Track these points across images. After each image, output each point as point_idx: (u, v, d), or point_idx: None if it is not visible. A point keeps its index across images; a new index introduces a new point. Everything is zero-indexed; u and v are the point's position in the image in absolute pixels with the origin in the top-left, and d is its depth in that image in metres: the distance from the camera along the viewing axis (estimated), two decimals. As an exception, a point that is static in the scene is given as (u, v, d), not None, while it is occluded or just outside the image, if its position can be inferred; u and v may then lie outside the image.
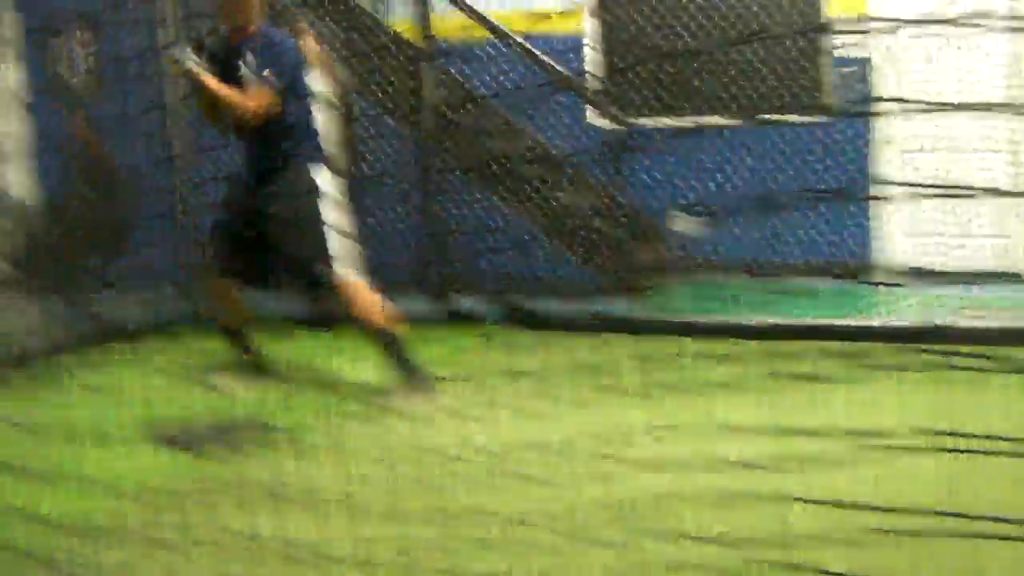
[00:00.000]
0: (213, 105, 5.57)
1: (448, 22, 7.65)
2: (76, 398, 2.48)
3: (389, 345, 5.35)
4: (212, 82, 5.39)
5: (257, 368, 5.68)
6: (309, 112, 5.66)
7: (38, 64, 8.93)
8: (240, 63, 5.51)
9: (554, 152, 8.00)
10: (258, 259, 5.59)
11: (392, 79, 7.73)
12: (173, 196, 7.72)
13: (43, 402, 2.48)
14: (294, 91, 5.54)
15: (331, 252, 5.41)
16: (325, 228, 5.43)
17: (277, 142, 5.50)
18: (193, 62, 5.40)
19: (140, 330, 6.98)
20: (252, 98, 5.41)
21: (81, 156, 8.18)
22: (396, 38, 7.85)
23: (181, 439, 3.96)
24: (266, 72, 5.42)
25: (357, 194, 5.92)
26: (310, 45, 6.87)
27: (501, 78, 8.08)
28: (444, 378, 4.99)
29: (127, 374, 2.25)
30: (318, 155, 5.61)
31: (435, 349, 5.70)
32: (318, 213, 5.43)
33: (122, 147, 7.96)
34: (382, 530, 2.18)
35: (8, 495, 2.58)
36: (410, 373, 5.33)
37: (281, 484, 2.20)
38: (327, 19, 7.87)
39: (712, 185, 8.08)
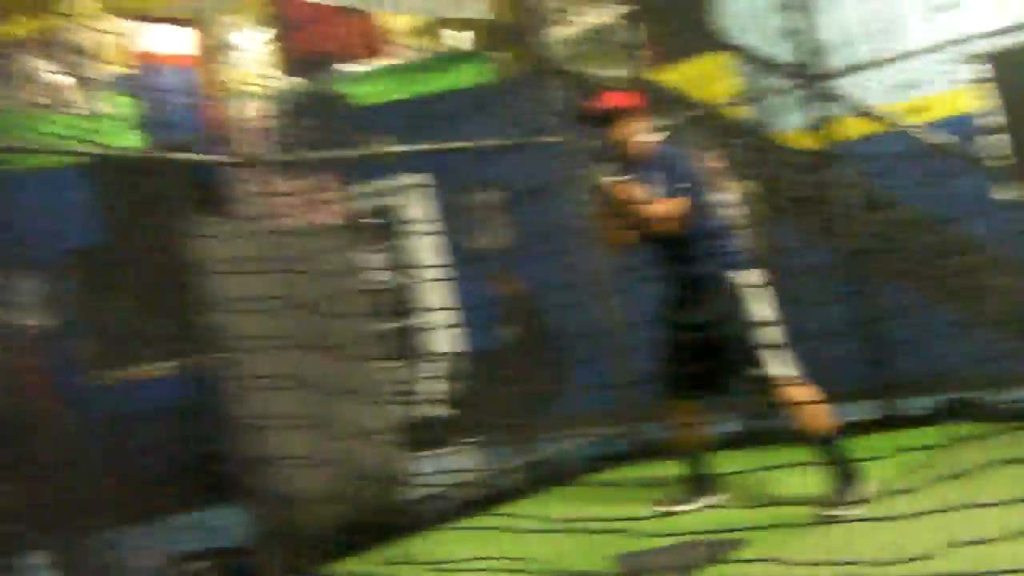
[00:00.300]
0: (619, 225, 5.73)
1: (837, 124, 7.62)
2: (530, 536, 2.60)
3: (829, 451, 5.31)
4: (638, 191, 5.48)
5: (705, 486, 5.78)
6: (720, 223, 5.70)
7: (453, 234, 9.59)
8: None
9: (969, 236, 7.76)
10: (706, 371, 5.59)
11: (794, 189, 7.75)
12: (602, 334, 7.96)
13: (501, 541, 2.64)
14: (701, 205, 5.59)
15: (769, 356, 5.40)
16: (759, 332, 5.43)
17: (694, 254, 5.54)
18: (616, 178, 5.56)
19: (581, 467, 7.21)
20: (669, 205, 5.47)
21: (510, 309, 8.66)
22: (789, 148, 7.90)
23: (644, 566, 4.04)
24: (674, 186, 5.49)
25: (783, 303, 5.90)
26: (709, 163, 7.05)
27: (897, 170, 7.93)
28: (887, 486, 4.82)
29: (575, 509, 2.36)
30: (738, 261, 5.64)
31: (877, 451, 5.57)
32: (750, 319, 5.44)
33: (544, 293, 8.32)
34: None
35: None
36: (851, 479, 5.26)
37: None
38: (716, 138, 8.03)
39: None
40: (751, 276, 5.61)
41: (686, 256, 5.56)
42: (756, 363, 5.42)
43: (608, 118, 5.71)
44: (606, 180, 5.62)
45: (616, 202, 5.62)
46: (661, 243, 5.65)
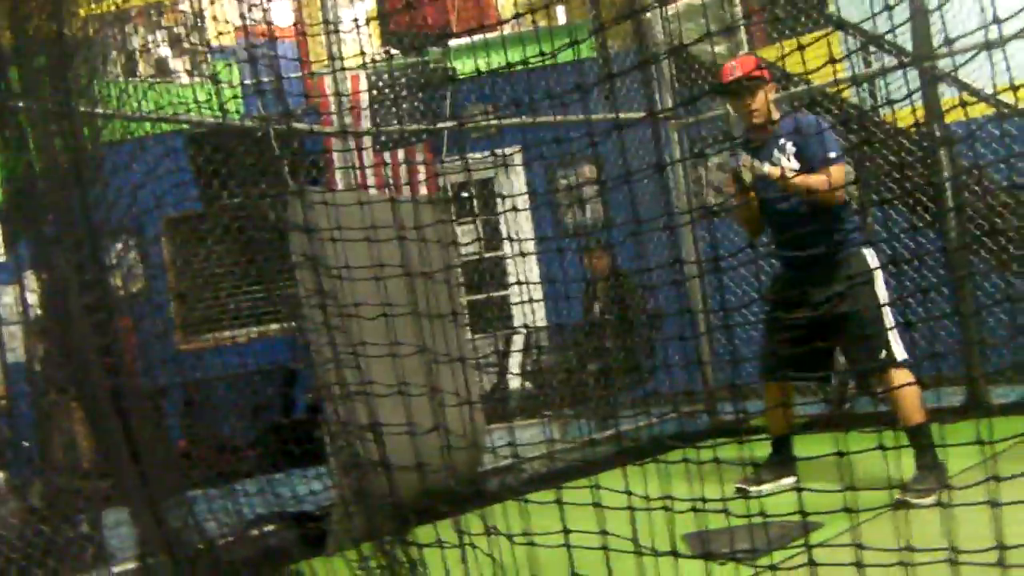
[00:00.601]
0: (755, 213, 5.66)
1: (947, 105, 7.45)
2: (606, 512, 2.60)
3: (920, 439, 5.22)
4: (792, 175, 5.33)
5: (786, 468, 5.73)
6: (847, 197, 5.55)
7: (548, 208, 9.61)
8: (772, 157, 5.53)
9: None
10: (814, 352, 5.49)
11: (901, 170, 7.60)
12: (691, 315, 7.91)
13: (576, 515, 2.65)
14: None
15: (889, 339, 5.28)
16: (883, 314, 5.30)
17: (824, 230, 5.36)
18: (758, 164, 5.43)
19: (660, 444, 7.19)
20: (828, 177, 5.29)
21: (594, 281, 8.67)
22: (897, 129, 7.75)
23: (717, 544, 4.02)
24: (828, 154, 5.33)
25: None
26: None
27: (1002, 152, 7.73)
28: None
29: (652, 485, 2.35)
30: (863, 238, 5.54)
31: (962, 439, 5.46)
32: (876, 299, 5.32)
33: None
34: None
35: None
36: (935, 468, 5.17)
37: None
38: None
39: None
40: (871, 257, 5.50)
41: (812, 235, 5.34)
42: (872, 345, 5.31)
43: (748, 88, 5.56)
44: (745, 161, 5.48)
45: (750, 185, 5.48)
46: (784, 219, 5.55)
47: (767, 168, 5.42)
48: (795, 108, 6.08)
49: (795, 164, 5.45)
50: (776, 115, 5.63)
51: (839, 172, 5.32)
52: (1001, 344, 7.03)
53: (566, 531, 3.03)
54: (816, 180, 5.28)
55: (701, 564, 2.77)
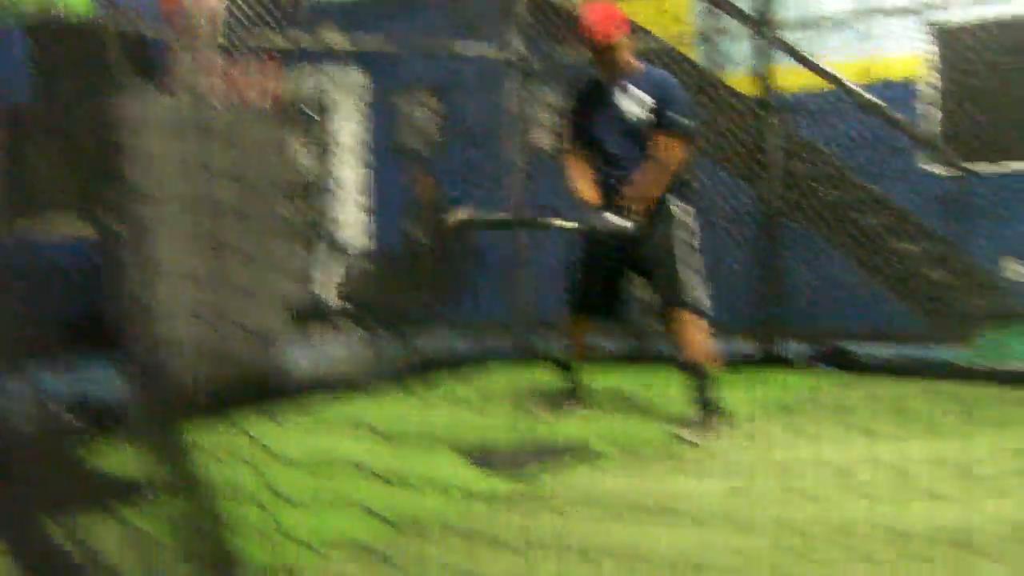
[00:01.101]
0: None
1: (783, 74, 7.69)
2: (410, 411, 2.66)
3: (699, 380, 5.44)
4: (639, 190, 5.48)
5: (576, 399, 5.86)
6: None
7: (384, 126, 9.60)
8: (618, 104, 5.62)
9: (888, 199, 7.95)
10: (612, 291, 5.72)
11: (731, 131, 7.83)
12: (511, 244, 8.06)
13: (389, 412, 2.71)
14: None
15: (681, 283, 5.50)
16: (680, 260, 5.52)
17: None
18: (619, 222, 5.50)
19: (465, 363, 7.33)
20: (671, 151, 5.48)
21: (419, 207, 8.70)
22: (733, 92, 7.97)
23: (499, 458, 4.20)
24: (670, 113, 5.49)
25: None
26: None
27: (836, 128, 8.03)
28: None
29: (445, 403, 2.41)
30: (679, 190, 5.66)
31: (750, 388, 5.77)
32: (675, 245, 5.51)
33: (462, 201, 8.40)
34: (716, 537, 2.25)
35: (352, 491, 2.85)
36: (711, 410, 5.40)
37: (600, 495, 2.32)
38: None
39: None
40: (684, 207, 5.66)
41: (625, 177, 5.55)
42: (671, 288, 5.53)
43: (612, 46, 5.60)
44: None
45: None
46: (613, 165, 5.65)
47: (625, 222, 5.48)
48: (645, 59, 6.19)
49: (643, 115, 5.55)
50: (632, 64, 5.71)
51: (676, 143, 5.50)
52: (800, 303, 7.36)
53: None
54: (657, 179, 5.46)
55: (487, 481, 2.90)
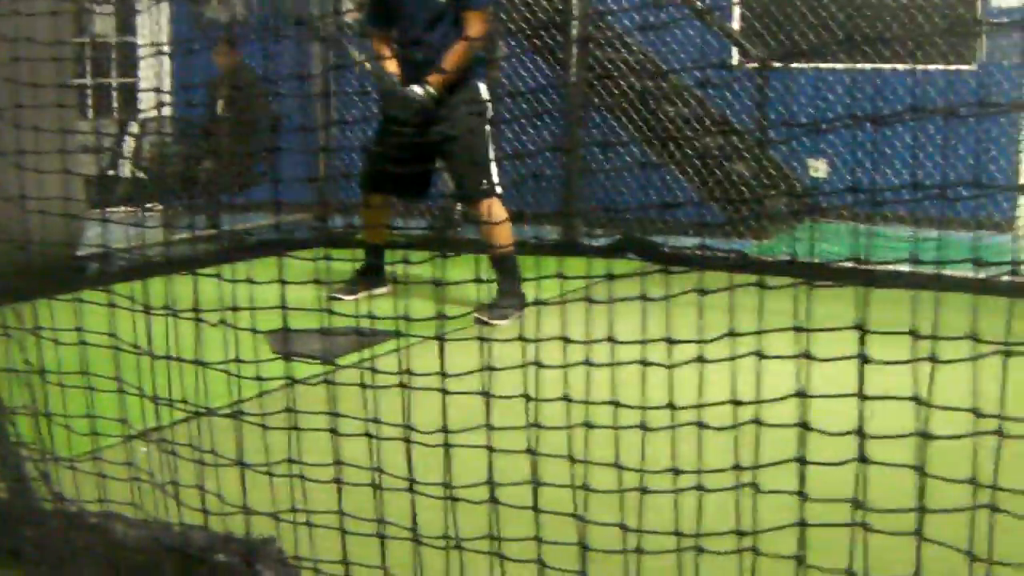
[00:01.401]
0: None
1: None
2: (208, 291, 2.56)
3: (503, 265, 5.50)
4: (442, 79, 5.45)
5: (379, 281, 5.90)
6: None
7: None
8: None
9: (698, 94, 8.03)
10: (414, 172, 5.67)
11: (535, 11, 7.76)
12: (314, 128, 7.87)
13: (185, 292, 2.59)
14: (458, 19, 5.57)
15: (485, 170, 5.52)
16: (483, 147, 5.54)
17: (437, 64, 5.50)
18: (422, 94, 5.46)
19: (268, 247, 7.19)
20: (475, 28, 5.47)
21: (223, 85, 8.44)
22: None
23: (297, 345, 4.14)
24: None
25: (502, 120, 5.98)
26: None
27: (646, 15, 8.02)
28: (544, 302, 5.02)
29: (247, 285, 2.33)
30: (481, 75, 5.68)
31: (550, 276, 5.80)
32: (483, 130, 5.53)
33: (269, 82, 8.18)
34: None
35: (139, 376, 2.72)
36: (514, 294, 5.48)
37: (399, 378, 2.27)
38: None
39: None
40: (486, 90, 5.68)
41: (430, 61, 5.51)
42: (473, 172, 5.54)
43: None
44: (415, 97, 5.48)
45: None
46: (410, 47, 5.63)
47: (421, 91, 5.45)
48: None
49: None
50: None
51: (479, 20, 5.48)
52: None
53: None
54: (455, 59, 5.43)
55: (285, 366, 2.80)
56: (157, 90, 7.88)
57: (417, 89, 5.46)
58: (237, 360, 2.50)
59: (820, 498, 1.76)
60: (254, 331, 2.51)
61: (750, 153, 7.85)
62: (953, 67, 7.89)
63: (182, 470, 2.54)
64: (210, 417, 2.58)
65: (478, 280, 2.37)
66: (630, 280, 2.12)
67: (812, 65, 7.95)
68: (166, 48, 7.52)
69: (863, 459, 1.73)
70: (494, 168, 5.56)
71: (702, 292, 1.88)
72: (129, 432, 2.75)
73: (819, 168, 8.13)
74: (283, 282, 2.54)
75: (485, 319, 5.26)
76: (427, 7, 5.55)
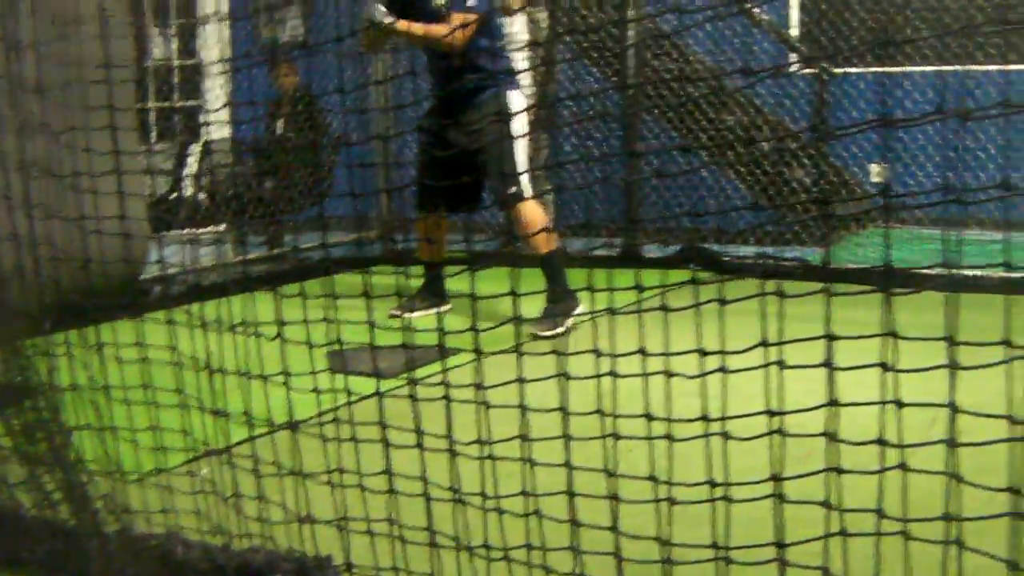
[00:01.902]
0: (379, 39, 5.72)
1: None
2: (265, 328, 2.58)
3: (547, 270, 5.50)
4: (406, 26, 5.47)
5: (441, 299, 5.93)
6: (501, 46, 5.76)
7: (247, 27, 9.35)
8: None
9: (757, 102, 8.00)
10: (461, 186, 5.65)
11: (591, 22, 7.76)
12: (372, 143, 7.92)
13: (248, 311, 2.62)
14: (487, 26, 5.62)
15: (516, 174, 5.52)
16: (514, 150, 5.53)
17: (468, 72, 5.58)
18: (382, 14, 5.46)
19: (331, 267, 7.21)
20: (450, 26, 5.44)
21: (284, 104, 8.52)
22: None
23: (356, 362, 4.18)
24: (468, 2, 5.50)
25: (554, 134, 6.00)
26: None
27: (707, 26, 8.00)
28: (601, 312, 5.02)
29: (312, 304, 2.35)
30: (511, 83, 5.68)
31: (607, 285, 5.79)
32: (509, 136, 5.48)
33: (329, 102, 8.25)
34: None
35: (202, 392, 2.76)
36: (565, 298, 5.48)
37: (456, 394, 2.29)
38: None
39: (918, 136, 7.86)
40: (515, 99, 5.66)
41: (459, 69, 5.58)
42: (503, 180, 5.57)
43: None
44: (379, 20, 5.48)
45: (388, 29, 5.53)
46: (437, 54, 5.67)
47: (387, 20, 5.47)
48: None
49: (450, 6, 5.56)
50: None
51: (461, 20, 5.45)
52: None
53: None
54: (433, 28, 5.45)
55: (344, 381, 2.83)
56: (218, 110, 7.95)
57: (380, 7, 5.47)
58: (313, 372, 2.53)
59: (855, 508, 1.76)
60: (309, 345, 2.54)
61: (809, 158, 7.79)
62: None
63: (268, 486, 2.58)
64: (293, 430, 2.61)
65: (513, 293, 2.35)
66: (704, 288, 2.11)
67: (872, 70, 7.90)
68: (227, 69, 7.60)
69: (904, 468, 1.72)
70: (525, 177, 5.52)
71: (781, 295, 1.85)
72: (195, 448, 2.79)
73: (880, 173, 8.06)
74: (333, 296, 2.58)
75: (538, 333, 5.27)
76: (427, 12, 5.56)
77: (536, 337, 5.20)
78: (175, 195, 8.46)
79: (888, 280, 1.69)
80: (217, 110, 8.34)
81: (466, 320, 2.39)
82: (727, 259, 6.74)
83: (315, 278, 6.10)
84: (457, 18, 5.44)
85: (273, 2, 8.64)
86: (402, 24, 5.47)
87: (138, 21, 7.90)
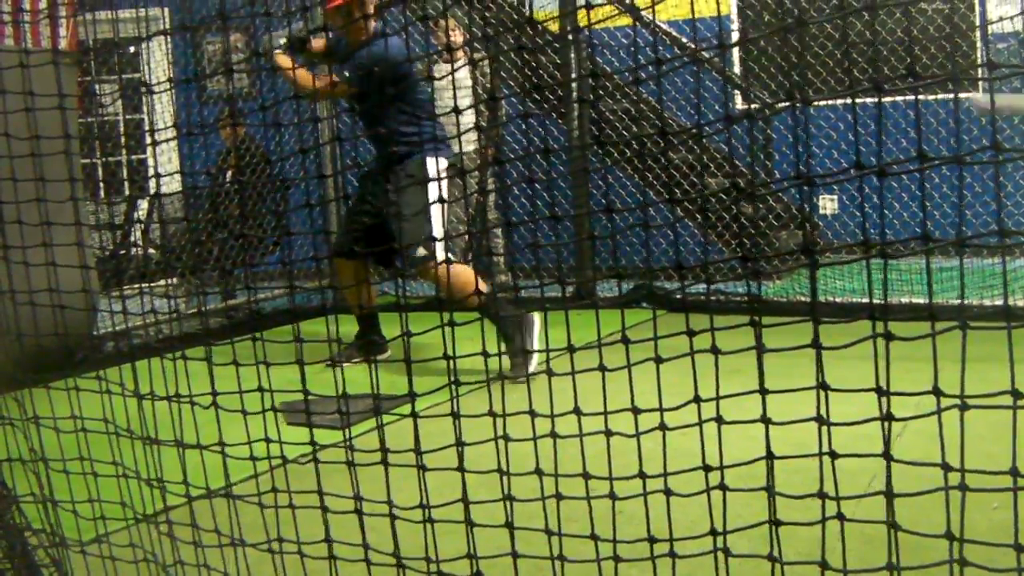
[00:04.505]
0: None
1: (592, 11, 7.66)
2: (218, 366, 2.54)
3: (490, 318, 5.45)
4: (282, 61, 5.66)
5: (378, 347, 6.03)
6: (421, 111, 5.81)
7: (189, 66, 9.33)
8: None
9: (702, 138, 8.03)
10: (378, 241, 5.88)
11: (535, 67, 7.80)
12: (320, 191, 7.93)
13: (193, 379, 2.58)
14: (408, 95, 5.72)
15: (428, 238, 5.49)
16: (428, 216, 5.52)
17: (393, 137, 5.70)
18: (278, 50, 5.63)
19: (274, 317, 7.23)
20: (318, 81, 5.65)
21: (231, 153, 8.49)
22: (539, 29, 7.94)
23: (296, 413, 4.18)
24: (347, 73, 5.59)
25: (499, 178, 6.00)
26: (454, 39, 7.08)
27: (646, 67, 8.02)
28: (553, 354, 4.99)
29: (257, 355, 2.31)
30: (431, 150, 5.73)
31: (557, 329, 5.79)
32: (424, 201, 5.54)
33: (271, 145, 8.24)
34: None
35: (145, 456, 2.71)
36: (515, 349, 5.48)
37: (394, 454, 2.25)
38: (471, 12, 7.99)
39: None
40: (432, 165, 5.69)
41: (385, 140, 5.73)
42: (408, 244, 5.58)
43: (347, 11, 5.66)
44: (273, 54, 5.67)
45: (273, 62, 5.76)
46: (367, 119, 5.85)
47: (278, 47, 5.70)
48: (395, 32, 6.25)
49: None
50: (367, 32, 5.77)
51: (329, 81, 5.71)
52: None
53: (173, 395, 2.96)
54: (305, 77, 5.63)
55: (293, 434, 2.79)
56: (159, 171, 7.89)
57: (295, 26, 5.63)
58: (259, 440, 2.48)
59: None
60: (243, 412, 2.50)
61: (757, 195, 7.83)
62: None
63: (209, 553, 2.53)
64: (228, 496, 2.56)
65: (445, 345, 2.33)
66: (640, 328, 2.10)
67: (814, 103, 7.95)
68: (171, 128, 7.52)
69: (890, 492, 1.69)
70: (439, 245, 5.47)
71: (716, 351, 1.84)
72: (133, 515, 2.74)
73: (826, 206, 8.11)
74: (299, 361, 2.54)
75: (511, 377, 5.27)
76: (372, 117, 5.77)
77: (506, 378, 5.17)
78: (124, 251, 8.39)
79: (814, 313, 1.69)
80: (167, 175, 8.30)
81: (402, 366, 2.35)
82: (678, 297, 6.75)
83: (267, 328, 6.07)
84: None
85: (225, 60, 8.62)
86: (283, 59, 5.65)
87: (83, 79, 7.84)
